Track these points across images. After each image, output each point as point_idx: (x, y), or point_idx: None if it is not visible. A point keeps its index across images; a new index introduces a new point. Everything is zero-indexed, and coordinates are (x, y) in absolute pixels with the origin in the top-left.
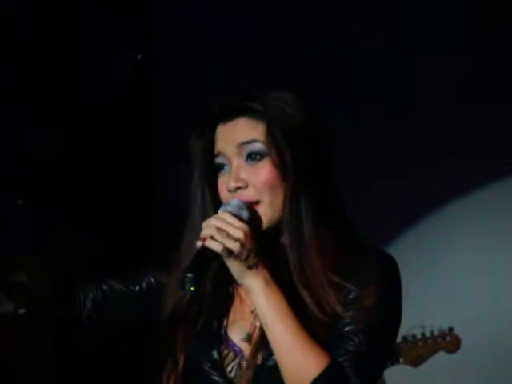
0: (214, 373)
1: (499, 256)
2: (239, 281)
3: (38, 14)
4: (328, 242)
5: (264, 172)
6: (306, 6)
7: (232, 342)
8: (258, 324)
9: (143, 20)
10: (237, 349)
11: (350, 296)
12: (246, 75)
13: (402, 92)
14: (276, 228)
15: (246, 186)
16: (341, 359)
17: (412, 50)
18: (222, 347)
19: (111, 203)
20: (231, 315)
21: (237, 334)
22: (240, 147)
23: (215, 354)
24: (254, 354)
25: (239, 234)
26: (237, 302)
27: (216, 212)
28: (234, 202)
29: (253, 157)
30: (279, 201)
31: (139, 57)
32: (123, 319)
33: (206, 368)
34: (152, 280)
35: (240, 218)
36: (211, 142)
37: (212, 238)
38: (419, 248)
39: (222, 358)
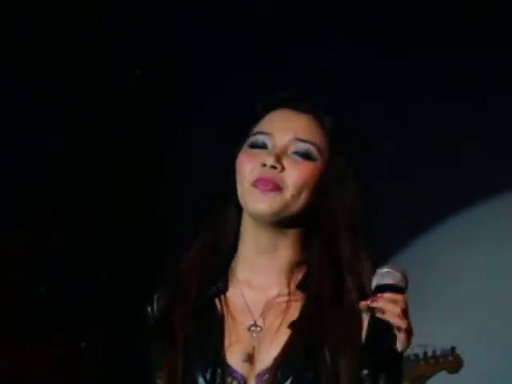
0: None
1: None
2: None
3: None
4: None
5: (306, 170)
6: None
7: (232, 368)
8: (256, 341)
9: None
10: (238, 376)
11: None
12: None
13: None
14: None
15: (282, 171)
16: None
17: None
18: (224, 377)
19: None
20: (226, 339)
21: (236, 358)
22: (295, 141)
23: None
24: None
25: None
26: (229, 321)
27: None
28: (399, 276)
29: (301, 154)
30: (302, 198)
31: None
32: None
33: None
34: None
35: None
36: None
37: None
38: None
39: None
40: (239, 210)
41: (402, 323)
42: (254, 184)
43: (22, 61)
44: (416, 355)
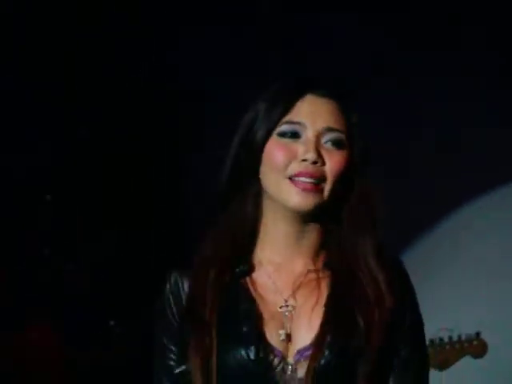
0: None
1: None
2: None
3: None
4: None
5: (342, 160)
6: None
7: (272, 346)
8: (289, 320)
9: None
10: (279, 353)
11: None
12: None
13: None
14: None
15: (322, 165)
16: None
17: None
18: (267, 354)
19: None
20: (260, 318)
21: (273, 337)
22: (327, 130)
23: (266, 363)
24: (308, 365)
25: None
26: (259, 301)
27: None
28: None
29: (334, 143)
30: (337, 188)
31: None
32: None
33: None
34: None
35: None
36: (287, 110)
37: None
38: (444, 250)
39: (269, 364)
40: (258, 194)
41: None
42: (294, 179)
43: (22, 60)
44: (441, 339)
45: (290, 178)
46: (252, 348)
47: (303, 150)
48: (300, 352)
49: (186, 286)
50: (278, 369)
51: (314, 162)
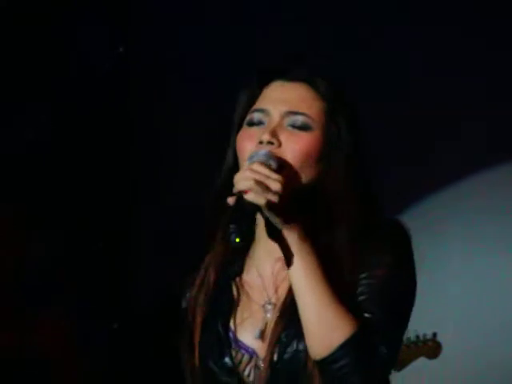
0: (231, 381)
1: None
2: (274, 236)
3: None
4: (357, 211)
5: (304, 141)
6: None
7: (243, 344)
8: (269, 317)
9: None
10: (250, 350)
11: (366, 265)
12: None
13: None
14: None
15: (279, 146)
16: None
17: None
18: (233, 352)
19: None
20: (238, 315)
21: (248, 334)
22: (288, 114)
23: (229, 362)
24: (270, 351)
25: (278, 187)
26: (243, 299)
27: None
28: (262, 151)
29: (297, 126)
30: (305, 174)
31: (121, 49)
32: None
33: (224, 379)
34: None
35: (270, 167)
36: (255, 98)
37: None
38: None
39: (237, 364)
40: None
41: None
42: None
43: None
44: None
45: None
46: (217, 348)
47: (261, 133)
48: (269, 345)
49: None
50: (250, 366)
51: (269, 143)
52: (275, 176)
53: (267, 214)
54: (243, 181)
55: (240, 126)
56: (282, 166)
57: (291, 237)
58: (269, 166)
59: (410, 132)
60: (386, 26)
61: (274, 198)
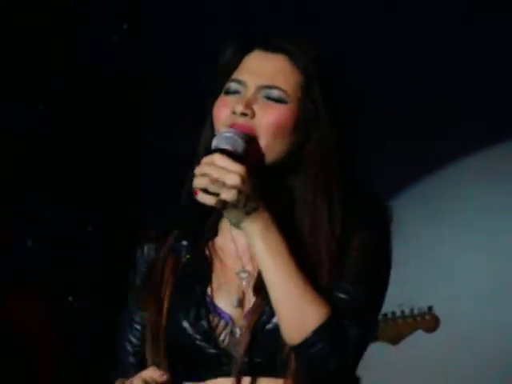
0: (207, 345)
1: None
2: (237, 227)
3: None
4: (336, 187)
5: (278, 113)
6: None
7: (220, 309)
8: (244, 285)
9: None
10: (226, 316)
11: (341, 243)
12: None
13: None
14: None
15: (253, 117)
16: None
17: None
18: (210, 316)
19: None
20: (215, 281)
21: (224, 300)
22: (263, 87)
23: (205, 325)
24: (253, 319)
25: (235, 181)
26: (217, 265)
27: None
28: (228, 133)
29: (272, 98)
30: (278, 146)
31: (125, 26)
32: None
33: (197, 342)
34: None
35: (235, 152)
36: (234, 67)
37: (206, 189)
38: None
39: (213, 328)
40: None
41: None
42: None
43: None
44: (393, 313)
45: None
46: (192, 311)
47: (235, 103)
48: (246, 316)
49: (152, 252)
50: (225, 332)
51: (243, 114)
52: (234, 167)
53: (222, 212)
54: (200, 177)
55: (218, 94)
56: (251, 140)
57: (253, 228)
58: (232, 152)
59: (409, 112)
60: (386, 25)
61: (230, 195)
